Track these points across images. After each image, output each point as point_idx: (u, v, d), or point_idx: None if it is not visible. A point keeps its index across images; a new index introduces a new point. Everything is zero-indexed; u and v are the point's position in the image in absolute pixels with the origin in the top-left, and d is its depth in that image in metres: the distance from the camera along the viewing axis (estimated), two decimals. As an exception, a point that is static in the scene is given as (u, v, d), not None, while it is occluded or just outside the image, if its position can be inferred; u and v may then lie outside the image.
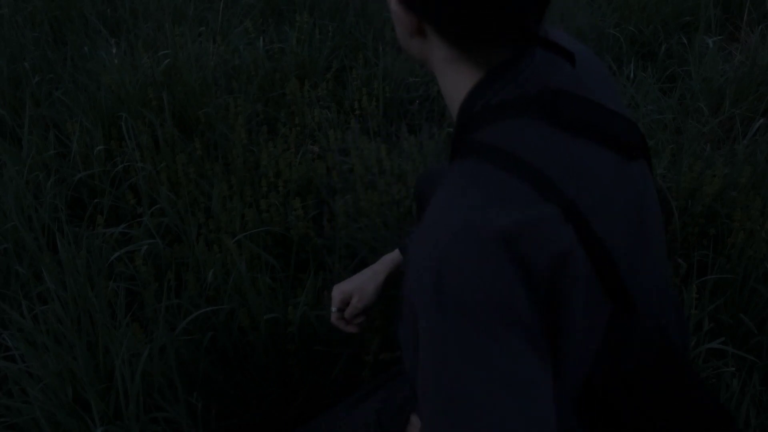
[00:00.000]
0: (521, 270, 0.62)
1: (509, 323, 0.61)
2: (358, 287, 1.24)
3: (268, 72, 2.48)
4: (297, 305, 1.47)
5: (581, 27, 2.78)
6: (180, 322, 1.43)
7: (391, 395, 1.17)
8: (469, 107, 0.73)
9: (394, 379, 1.21)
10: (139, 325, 1.40)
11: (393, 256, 1.27)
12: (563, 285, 0.64)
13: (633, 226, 0.73)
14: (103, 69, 2.33)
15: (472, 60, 0.71)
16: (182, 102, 2.24)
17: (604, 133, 0.71)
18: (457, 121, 0.75)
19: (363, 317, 1.26)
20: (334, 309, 1.25)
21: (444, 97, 0.79)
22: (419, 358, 0.66)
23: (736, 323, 1.58)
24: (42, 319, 1.36)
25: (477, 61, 0.71)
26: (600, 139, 0.71)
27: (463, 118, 0.74)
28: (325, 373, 1.46)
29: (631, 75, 2.54)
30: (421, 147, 2.04)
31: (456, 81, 0.74)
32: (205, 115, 2.20)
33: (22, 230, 1.65)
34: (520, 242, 0.62)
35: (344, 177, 1.95)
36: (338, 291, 1.25)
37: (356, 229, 1.72)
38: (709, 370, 1.51)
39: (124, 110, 2.15)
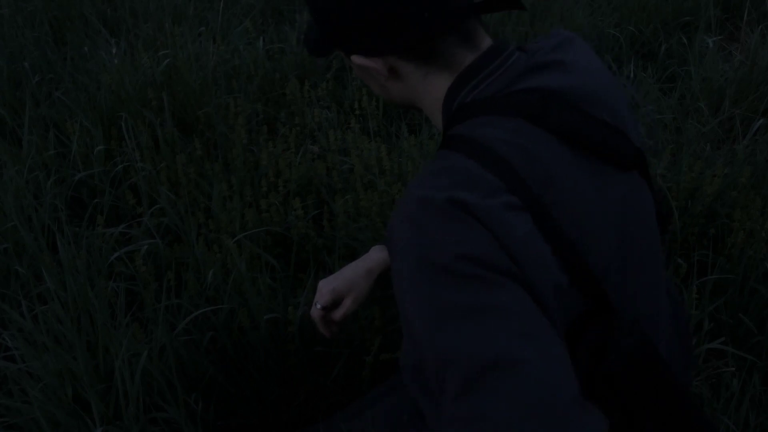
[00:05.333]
0: (489, 233, 0.65)
1: (491, 269, 0.64)
2: (352, 287, 1.12)
3: (268, 72, 2.48)
4: (297, 305, 1.47)
5: (581, 27, 2.78)
6: (180, 322, 1.43)
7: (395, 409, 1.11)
8: (447, 108, 0.79)
9: (394, 392, 1.16)
10: (139, 325, 1.40)
11: (383, 256, 1.16)
12: (527, 266, 0.67)
13: (615, 232, 0.75)
14: (103, 69, 2.33)
15: (440, 67, 0.77)
16: (182, 102, 2.24)
17: (587, 140, 0.74)
18: (442, 124, 0.81)
19: (346, 320, 1.15)
20: (319, 306, 1.13)
21: (429, 116, 0.84)
22: (404, 331, 0.68)
23: (736, 323, 1.58)
24: (42, 319, 1.36)
25: (445, 65, 0.77)
26: (583, 145, 0.74)
27: (444, 118, 0.79)
28: (325, 373, 1.46)
29: (631, 75, 2.54)
30: (421, 147, 2.04)
31: (433, 93, 0.80)
32: (205, 115, 2.20)
33: (22, 230, 1.65)
34: (482, 220, 0.65)
35: (344, 177, 1.95)
36: (329, 288, 1.12)
37: (356, 229, 1.72)
38: (709, 370, 1.51)
39: (124, 110, 2.15)
